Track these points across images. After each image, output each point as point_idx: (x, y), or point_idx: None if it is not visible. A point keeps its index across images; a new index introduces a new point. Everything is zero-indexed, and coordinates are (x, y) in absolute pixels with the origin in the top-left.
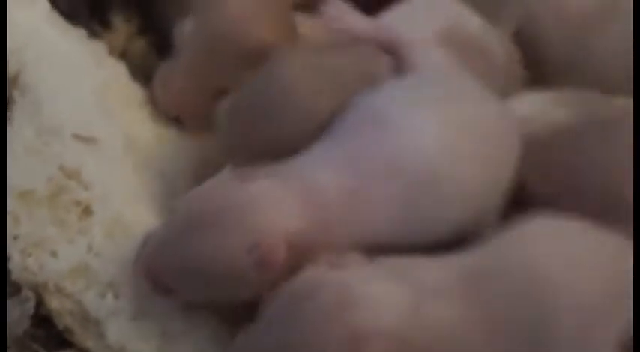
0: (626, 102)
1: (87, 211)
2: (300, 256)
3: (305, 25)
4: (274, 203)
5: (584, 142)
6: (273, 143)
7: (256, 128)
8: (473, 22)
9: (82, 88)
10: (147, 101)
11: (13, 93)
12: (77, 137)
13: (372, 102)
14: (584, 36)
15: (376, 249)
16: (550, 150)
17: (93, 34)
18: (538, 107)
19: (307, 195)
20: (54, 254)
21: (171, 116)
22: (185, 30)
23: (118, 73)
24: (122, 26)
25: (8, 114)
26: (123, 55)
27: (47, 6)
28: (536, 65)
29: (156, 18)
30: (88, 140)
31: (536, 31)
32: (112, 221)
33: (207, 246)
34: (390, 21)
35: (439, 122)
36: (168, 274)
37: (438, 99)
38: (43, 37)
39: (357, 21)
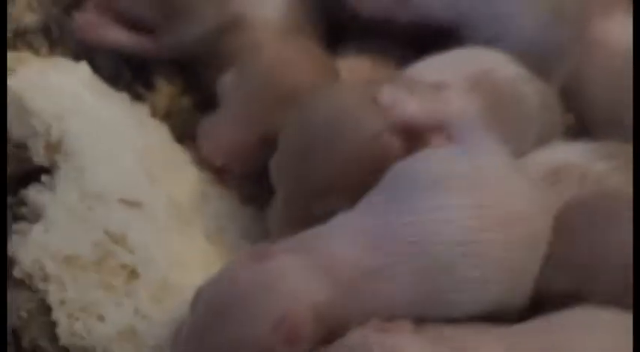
0: None
1: (133, 274)
2: (324, 330)
3: (346, 66)
4: (296, 277)
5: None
6: (330, 177)
7: (312, 162)
8: (507, 69)
9: (125, 151)
10: (190, 162)
11: (57, 159)
12: (122, 201)
13: (404, 176)
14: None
15: None
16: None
17: (136, 96)
18: (575, 156)
19: (330, 269)
20: (101, 318)
21: (217, 166)
22: (226, 82)
23: (160, 135)
24: (165, 87)
25: (52, 180)
26: (167, 116)
27: (88, 71)
28: (581, 119)
29: (198, 77)
30: (132, 204)
31: (583, 87)
32: (158, 284)
33: (234, 334)
34: (422, 67)
35: (464, 206)
36: None
37: (467, 178)
38: (85, 102)
39: (410, 107)
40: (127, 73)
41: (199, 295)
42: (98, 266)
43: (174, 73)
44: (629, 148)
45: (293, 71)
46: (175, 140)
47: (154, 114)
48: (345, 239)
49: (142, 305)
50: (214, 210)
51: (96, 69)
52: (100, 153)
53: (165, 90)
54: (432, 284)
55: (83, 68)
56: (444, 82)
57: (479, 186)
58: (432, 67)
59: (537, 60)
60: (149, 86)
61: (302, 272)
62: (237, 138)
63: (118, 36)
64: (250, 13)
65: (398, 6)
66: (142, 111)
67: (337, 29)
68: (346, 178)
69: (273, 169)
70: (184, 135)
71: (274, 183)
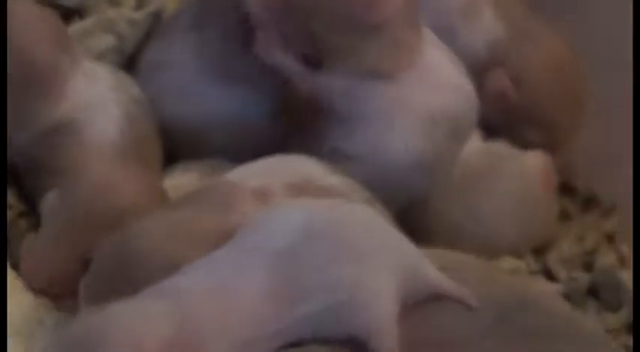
0: None
1: None
2: None
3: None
4: (133, 318)
5: None
6: None
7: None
8: (330, 177)
9: None
10: (27, 288)
11: None
12: None
13: None
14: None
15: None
16: None
17: None
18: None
19: (169, 303)
20: None
21: (38, 287)
22: (48, 203)
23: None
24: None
25: None
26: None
27: None
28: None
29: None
30: None
31: None
32: None
33: None
34: (241, 173)
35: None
36: None
37: None
38: None
39: None
40: None
41: None
42: None
43: (12, 197)
44: None
45: (116, 196)
46: (11, 266)
47: None
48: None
49: None
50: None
51: None
52: None
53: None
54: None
55: None
56: (268, 188)
57: None
58: (251, 174)
59: None
60: None
61: (140, 312)
62: (57, 263)
63: None
64: (81, 122)
65: (302, 73)
66: None
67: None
68: None
69: (82, 290)
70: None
71: (83, 302)
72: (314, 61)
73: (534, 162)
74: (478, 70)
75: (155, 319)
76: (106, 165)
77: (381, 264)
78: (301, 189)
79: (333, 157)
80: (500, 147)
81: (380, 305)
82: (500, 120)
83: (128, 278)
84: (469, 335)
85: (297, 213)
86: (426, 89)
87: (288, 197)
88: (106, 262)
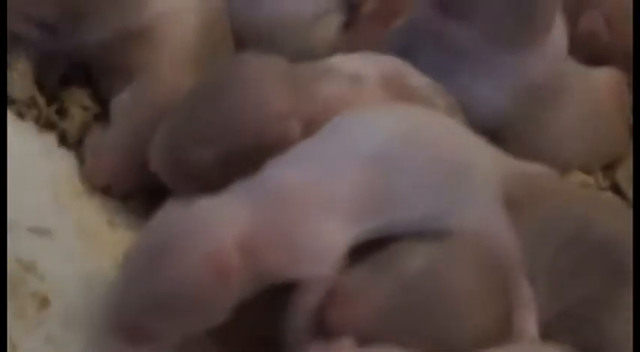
0: None
1: (44, 302)
2: (254, 265)
3: None
4: (218, 214)
5: None
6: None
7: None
8: (421, 78)
9: (33, 180)
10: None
11: None
12: (31, 229)
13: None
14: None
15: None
16: None
17: (48, 123)
18: None
19: (254, 198)
20: (14, 347)
21: (100, 185)
22: (119, 102)
23: (67, 163)
24: (77, 114)
25: None
26: (79, 143)
27: None
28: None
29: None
30: (41, 232)
31: None
32: (69, 310)
33: (169, 276)
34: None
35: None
36: (143, 316)
37: None
38: None
39: None
40: (40, 99)
41: (129, 253)
42: (10, 295)
43: (87, 99)
44: None
45: None
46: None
47: (66, 140)
48: (274, 168)
49: (52, 333)
50: (121, 236)
51: (9, 95)
52: (8, 182)
53: (78, 116)
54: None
55: None
56: (361, 75)
57: None
58: (350, 60)
59: None
60: (62, 112)
61: (223, 208)
62: (120, 161)
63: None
64: (159, 29)
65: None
66: (49, 140)
67: None
68: (242, 151)
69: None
70: None
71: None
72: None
73: (605, 79)
74: (572, 11)
75: (233, 221)
76: (177, 69)
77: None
78: (392, 81)
79: None
80: (571, 64)
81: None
82: (589, 61)
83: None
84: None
85: (390, 117)
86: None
87: (378, 87)
88: (191, 123)
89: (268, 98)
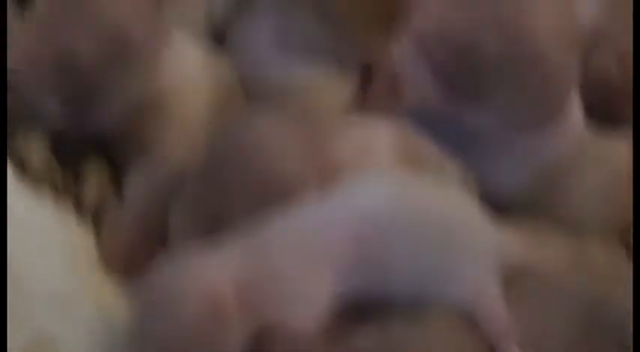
0: None
1: None
2: (251, 314)
3: None
4: (214, 260)
5: None
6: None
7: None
8: (427, 144)
9: (50, 249)
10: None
11: None
12: (48, 299)
13: None
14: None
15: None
16: None
17: (65, 191)
18: None
19: (250, 245)
20: None
21: (117, 267)
22: (134, 179)
23: (84, 231)
24: (95, 181)
25: None
26: (95, 208)
27: (10, 174)
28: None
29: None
30: (58, 301)
31: None
32: None
33: (167, 319)
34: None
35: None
36: None
37: None
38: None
39: None
40: (56, 167)
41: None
42: None
43: (103, 167)
44: None
45: None
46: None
47: (83, 207)
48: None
49: None
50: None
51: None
52: (28, 252)
53: (94, 184)
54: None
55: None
56: (370, 141)
57: None
58: (363, 122)
59: None
60: (78, 180)
61: (221, 253)
62: (135, 240)
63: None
64: (169, 99)
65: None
66: (65, 207)
67: None
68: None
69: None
70: None
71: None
72: (459, 92)
73: (626, 147)
74: (583, 48)
75: (231, 269)
76: (189, 141)
77: (471, 255)
78: (402, 148)
79: None
80: (589, 134)
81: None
82: (600, 99)
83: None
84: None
85: (390, 184)
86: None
87: (389, 153)
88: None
89: (282, 157)
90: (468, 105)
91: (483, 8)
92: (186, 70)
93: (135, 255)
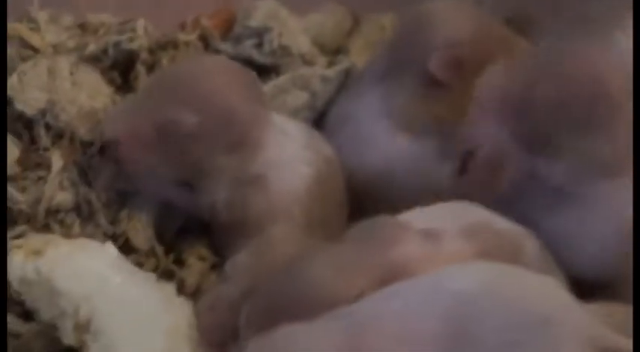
0: None
1: None
2: None
3: None
4: (311, 342)
5: None
6: None
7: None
8: (503, 222)
9: (152, 331)
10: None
11: (86, 339)
12: None
13: None
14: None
15: None
16: None
17: (167, 272)
18: None
19: (347, 326)
20: None
21: (215, 341)
22: (238, 260)
23: (186, 313)
24: (195, 263)
25: None
26: (197, 292)
27: (114, 251)
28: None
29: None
30: None
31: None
32: None
33: None
34: (412, 217)
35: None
36: None
37: None
38: (111, 283)
39: None
40: (158, 249)
41: None
42: None
43: (204, 249)
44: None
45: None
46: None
47: (184, 289)
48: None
49: None
50: None
51: (128, 246)
52: (128, 331)
53: (195, 266)
54: None
55: (109, 249)
56: (437, 230)
57: None
58: (425, 216)
59: None
60: (180, 262)
61: (318, 334)
62: (236, 318)
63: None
64: (271, 179)
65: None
66: (167, 289)
67: None
68: None
69: (243, 321)
70: None
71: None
72: (533, 146)
73: None
74: None
75: (329, 341)
76: (291, 225)
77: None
78: (475, 232)
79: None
80: None
81: None
82: None
83: (291, 312)
84: None
85: (481, 270)
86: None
87: (459, 239)
88: (270, 295)
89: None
90: (542, 157)
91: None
92: (290, 150)
93: (228, 333)
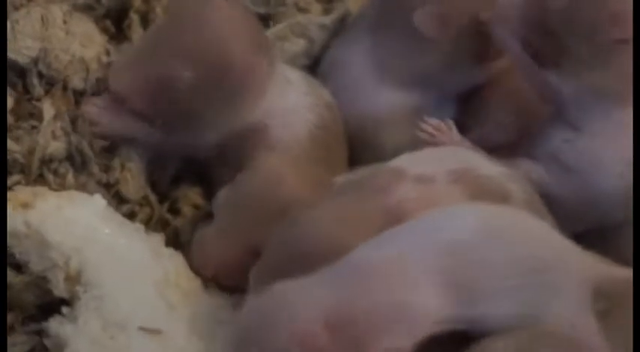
0: None
1: None
2: (347, 337)
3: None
4: (303, 295)
5: None
6: None
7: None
8: (490, 167)
9: (143, 280)
10: (206, 287)
11: (77, 290)
12: (142, 329)
13: None
14: None
15: None
16: None
17: (161, 222)
18: None
19: (338, 276)
20: None
21: (208, 276)
22: (220, 197)
23: (175, 263)
24: (190, 212)
25: (73, 311)
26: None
27: (103, 203)
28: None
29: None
30: (152, 332)
31: None
32: None
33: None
34: (405, 160)
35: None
36: None
37: None
38: (101, 234)
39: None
40: (152, 198)
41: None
42: None
43: (198, 198)
44: None
45: (284, 188)
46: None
47: (178, 239)
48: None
49: None
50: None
51: (122, 195)
52: (118, 282)
53: (189, 215)
54: None
55: (98, 201)
56: (428, 175)
57: None
58: (415, 161)
59: None
60: (174, 211)
61: (309, 287)
62: (226, 252)
63: (129, 124)
64: (274, 127)
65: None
66: (157, 240)
67: None
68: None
69: (251, 279)
70: None
71: (252, 290)
72: (548, 61)
73: None
74: None
75: (318, 301)
76: (286, 164)
77: (563, 279)
78: (462, 176)
79: (549, 164)
80: None
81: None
82: None
83: (298, 265)
84: None
85: (473, 212)
86: None
87: (448, 183)
88: (275, 250)
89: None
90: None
91: None
92: (292, 98)
93: (226, 266)
